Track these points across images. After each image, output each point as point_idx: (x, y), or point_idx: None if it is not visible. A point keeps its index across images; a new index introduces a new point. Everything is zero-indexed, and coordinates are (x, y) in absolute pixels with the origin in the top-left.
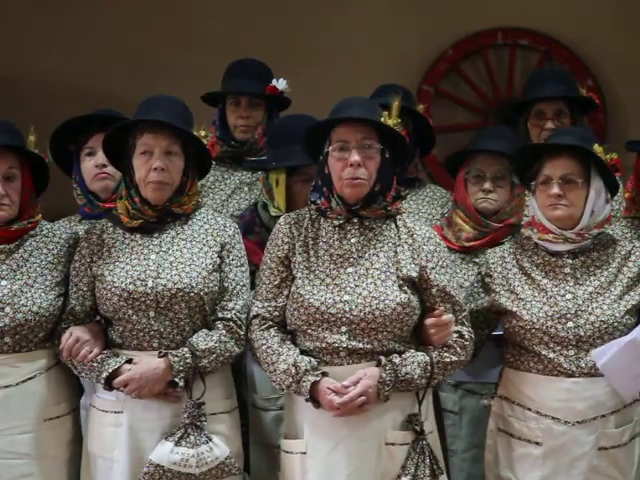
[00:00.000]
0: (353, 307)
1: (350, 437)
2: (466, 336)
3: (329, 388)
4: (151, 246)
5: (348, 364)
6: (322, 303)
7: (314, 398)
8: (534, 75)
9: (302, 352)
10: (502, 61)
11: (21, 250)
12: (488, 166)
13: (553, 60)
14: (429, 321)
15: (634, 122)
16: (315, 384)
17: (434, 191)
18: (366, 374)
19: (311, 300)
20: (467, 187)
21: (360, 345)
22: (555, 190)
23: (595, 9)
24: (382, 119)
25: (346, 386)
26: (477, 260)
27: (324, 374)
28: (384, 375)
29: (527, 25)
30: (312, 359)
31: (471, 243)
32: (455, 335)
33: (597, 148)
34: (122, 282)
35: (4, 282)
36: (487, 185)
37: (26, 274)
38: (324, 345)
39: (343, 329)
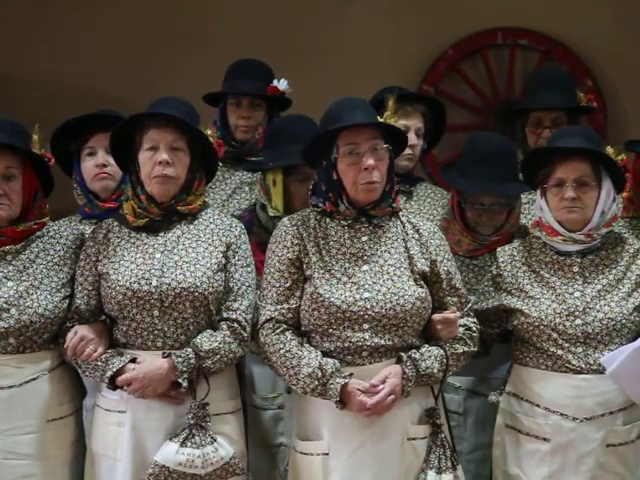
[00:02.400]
0: (374, 304)
1: (374, 436)
2: (473, 327)
3: (359, 389)
4: (156, 245)
5: (370, 363)
6: (343, 302)
7: (341, 399)
8: (534, 79)
9: (322, 354)
10: (502, 61)
11: (27, 251)
12: (484, 199)
13: (553, 60)
14: (436, 317)
15: (634, 122)
16: (343, 386)
17: (434, 192)
18: (391, 372)
19: (332, 299)
20: (462, 211)
21: (382, 342)
22: (570, 193)
23: (595, 9)
24: (383, 119)
25: (374, 385)
26: (476, 262)
27: (351, 375)
28: (407, 371)
29: (527, 25)
30: (336, 361)
31: (472, 253)
32: (462, 328)
33: (609, 150)
34: (127, 281)
35: (10, 283)
36: (484, 217)
37: (32, 275)
38: (346, 345)
39: (365, 326)
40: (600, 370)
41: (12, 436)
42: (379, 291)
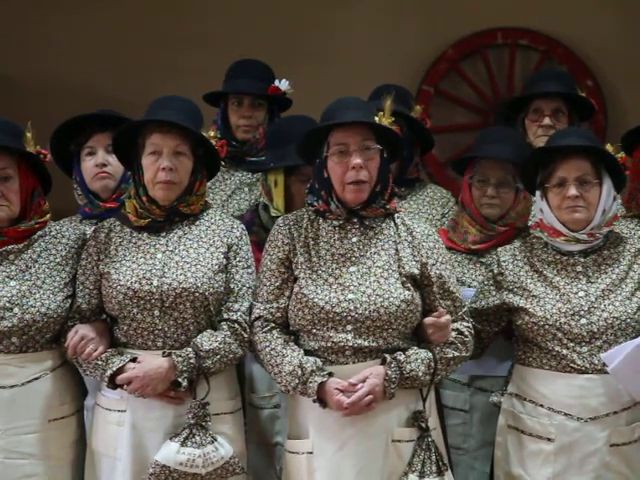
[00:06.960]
0: (358, 305)
1: (357, 435)
2: (465, 332)
3: (337, 388)
4: (158, 245)
5: (353, 363)
6: (327, 302)
7: (320, 398)
8: (535, 75)
9: (307, 352)
10: (502, 61)
11: (30, 251)
12: (492, 172)
13: (553, 60)
14: (428, 320)
15: (634, 122)
16: (322, 384)
17: (434, 191)
18: (372, 373)
19: (315, 300)
20: (472, 191)
21: (365, 343)
22: (573, 192)
23: (595, 9)
24: (377, 119)
25: (353, 384)
26: (483, 260)
27: (330, 374)
28: (389, 373)
29: (527, 25)
30: (317, 359)
31: (477, 246)
32: (454, 333)
33: (609, 147)
34: (127, 280)
35: (13, 282)
36: (490, 191)
37: (35, 275)
38: (329, 344)
39: (348, 328)
40: (604, 370)
41: (14, 435)
42: (364, 293)
